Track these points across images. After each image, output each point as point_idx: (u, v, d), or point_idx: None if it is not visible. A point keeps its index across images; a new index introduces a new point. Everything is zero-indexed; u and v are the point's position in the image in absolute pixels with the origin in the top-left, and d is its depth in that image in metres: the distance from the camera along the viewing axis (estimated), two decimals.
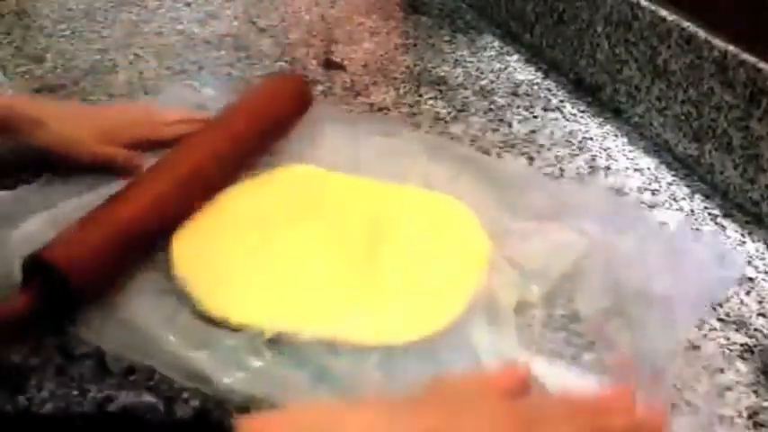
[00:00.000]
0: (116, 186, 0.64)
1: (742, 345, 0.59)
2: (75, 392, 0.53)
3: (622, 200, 0.73)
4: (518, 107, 0.88)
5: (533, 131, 0.84)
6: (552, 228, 0.65)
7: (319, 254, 0.63)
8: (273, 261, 0.62)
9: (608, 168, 0.78)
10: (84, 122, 0.73)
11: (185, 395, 0.53)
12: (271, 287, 0.60)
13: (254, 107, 0.75)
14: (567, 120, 0.86)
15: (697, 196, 0.75)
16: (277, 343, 0.55)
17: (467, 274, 0.61)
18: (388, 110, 0.87)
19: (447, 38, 1.03)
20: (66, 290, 0.55)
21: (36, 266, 0.56)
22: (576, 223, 0.65)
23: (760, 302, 0.63)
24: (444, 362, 0.53)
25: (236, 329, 0.56)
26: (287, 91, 0.80)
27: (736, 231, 0.70)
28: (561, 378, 0.52)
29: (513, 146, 0.81)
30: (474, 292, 0.59)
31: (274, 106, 0.76)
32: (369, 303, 0.59)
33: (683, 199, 0.74)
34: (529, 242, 0.64)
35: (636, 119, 0.84)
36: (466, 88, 0.92)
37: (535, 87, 0.92)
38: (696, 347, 0.58)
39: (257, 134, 0.73)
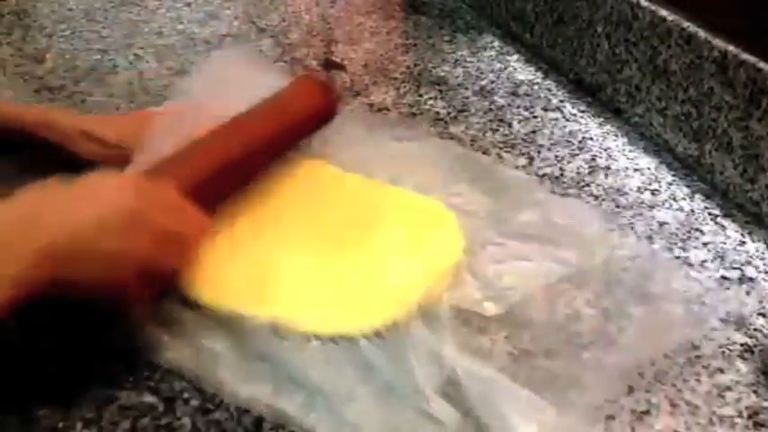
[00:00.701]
0: None
1: (742, 345, 0.59)
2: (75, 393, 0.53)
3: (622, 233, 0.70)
4: (518, 107, 0.88)
5: (533, 131, 0.84)
6: (533, 250, 0.65)
7: (293, 245, 0.64)
8: (249, 248, 0.64)
9: (608, 168, 0.78)
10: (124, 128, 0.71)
11: (185, 395, 0.53)
12: (238, 272, 0.62)
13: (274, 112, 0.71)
14: (567, 120, 0.86)
15: (697, 196, 0.75)
16: (229, 324, 0.56)
17: (422, 278, 0.61)
18: (388, 110, 0.87)
19: (447, 38, 1.03)
20: None
21: None
22: (558, 251, 0.64)
23: (760, 302, 0.63)
24: (373, 361, 0.54)
25: (194, 307, 0.58)
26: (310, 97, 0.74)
27: (736, 231, 0.70)
28: (488, 386, 0.52)
29: (513, 146, 0.81)
30: (423, 296, 0.59)
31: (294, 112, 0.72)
32: (322, 294, 0.61)
33: (683, 199, 0.74)
34: (504, 261, 0.64)
35: (636, 119, 0.84)
36: (466, 88, 0.92)
37: (535, 87, 0.92)
38: (696, 347, 0.58)
39: (268, 142, 0.70)
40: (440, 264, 0.63)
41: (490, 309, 0.59)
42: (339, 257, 0.64)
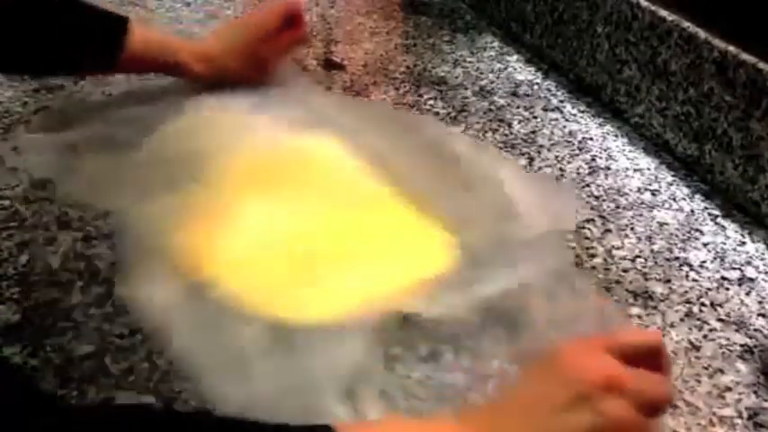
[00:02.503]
0: None
1: (742, 345, 0.59)
2: (75, 393, 0.53)
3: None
4: (518, 107, 0.88)
5: (533, 132, 0.84)
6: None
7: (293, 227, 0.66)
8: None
9: (608, 168, 0.78)
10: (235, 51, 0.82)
11: (184, 396, 0.53)
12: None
13: None
14: (567, 120, 0.86)
15: (697, 196, 0.75)
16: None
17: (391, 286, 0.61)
18: None
19: (447, 38, 1.03)
20: None
21: None
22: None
23: (760, 303, 0.63)
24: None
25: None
26: None
27: (736, 231, 0.70)
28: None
29: (513, 146, 0.81)
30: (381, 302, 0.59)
31: None
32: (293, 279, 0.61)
33: (683, 199, 0.74)
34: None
35: (636, 119, 0.83)
36: (466, 88, 0.92)
37: (535, 87, 0.92)
38: (696, 348, 0.58)
39: None
40: (413, 277, 0.61)
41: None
42: (332, 246, 0.64)
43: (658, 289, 0.64)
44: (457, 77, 0.94)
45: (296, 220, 0.66)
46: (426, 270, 0.61)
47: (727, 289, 0.64)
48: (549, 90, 0.92)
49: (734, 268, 0.66)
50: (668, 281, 0.65)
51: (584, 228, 0.70)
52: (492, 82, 0.93)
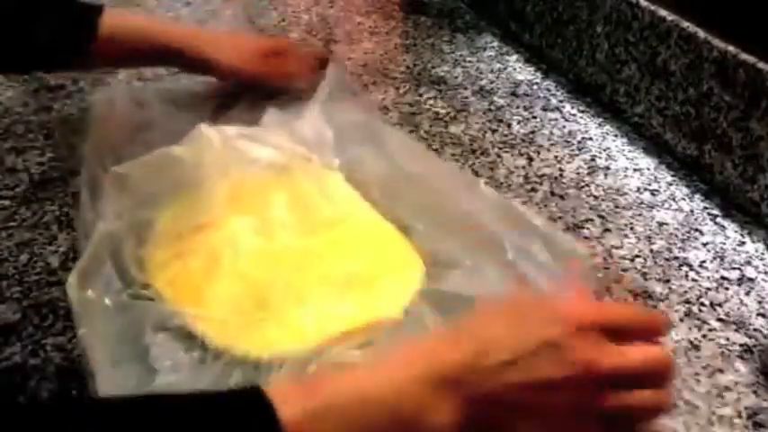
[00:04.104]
0: None
1: (742, 345, 0.59)
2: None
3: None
4: (517, 107, 0.88)
5: (532, 132, 0.84)
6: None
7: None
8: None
9: (607, 169, 0.78)
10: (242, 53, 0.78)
11: None
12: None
13: None
14: (567, 120, 0.86)
15: (697, 196, 0.75)
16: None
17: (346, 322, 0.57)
18: (388, 110, 0.87)
19: (447, 38, 1.03)
20: None
21: None
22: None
23: (760, 302, 0.63)
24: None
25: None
26: None
27: (736, 231, 0.70)
28: None
29: (512, 146, 0.81)
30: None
31: None
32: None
33: (683, 199, 0.74)
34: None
35: (636, 119, 0.84)
36: (465, 88, 0.92)
37: (534, 87, 0.92)
38: (696, 347, 0.58)
39: None
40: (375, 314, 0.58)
41: None
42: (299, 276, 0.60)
43: (658, 288, 0.64)
44: (456, 77, 0.94)
45: (265, 248, 0.62)
46: (384, 310, 0.58)
47: (727, 289, 0.64)
48: (548, 90, 0.92)
49: (733, 268, 0.66)
50: (668, 281, 0.65)
51: (583, 227, 0.70)
52: (491, 82, 0.93)
